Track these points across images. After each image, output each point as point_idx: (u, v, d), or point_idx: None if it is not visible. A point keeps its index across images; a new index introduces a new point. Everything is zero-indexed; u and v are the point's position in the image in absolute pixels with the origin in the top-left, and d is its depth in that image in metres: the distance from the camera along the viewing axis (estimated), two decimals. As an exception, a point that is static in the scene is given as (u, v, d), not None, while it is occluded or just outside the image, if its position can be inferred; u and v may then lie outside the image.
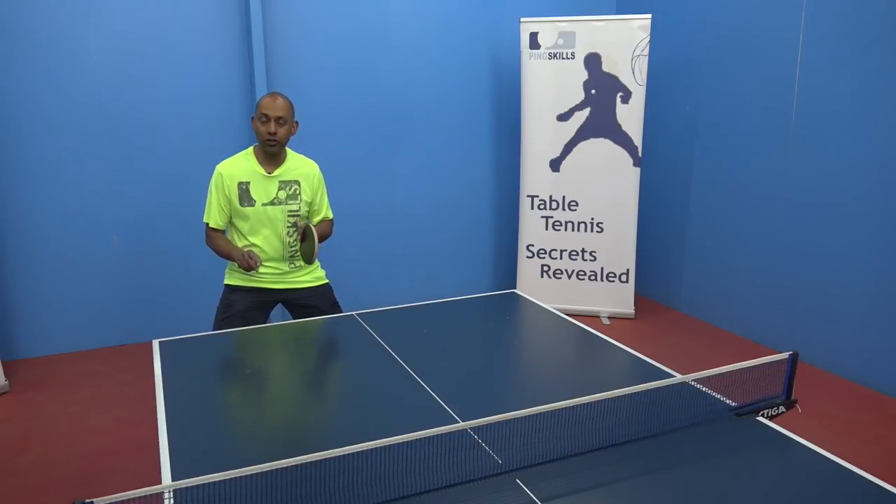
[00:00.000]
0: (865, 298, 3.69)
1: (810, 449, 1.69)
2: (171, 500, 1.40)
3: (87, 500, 1.26)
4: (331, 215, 3.08)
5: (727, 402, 1.91)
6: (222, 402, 2.09)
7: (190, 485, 1.40)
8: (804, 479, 1.58)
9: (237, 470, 1.43)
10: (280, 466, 1.46)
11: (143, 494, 1.33)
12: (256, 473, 1.44)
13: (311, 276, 3.02)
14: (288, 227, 2.89)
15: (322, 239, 2.96)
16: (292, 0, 4.41)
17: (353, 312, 2.82)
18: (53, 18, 3.95)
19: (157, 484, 1.40)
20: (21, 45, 3.92)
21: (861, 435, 3.24)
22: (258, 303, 2.93)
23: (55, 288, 4.20)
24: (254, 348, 2.55)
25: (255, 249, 2.85)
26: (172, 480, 1.53)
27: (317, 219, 3.02)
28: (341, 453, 1.51)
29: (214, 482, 1.41)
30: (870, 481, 1.54)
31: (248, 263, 2.70)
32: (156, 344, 2.45)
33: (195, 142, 4.32)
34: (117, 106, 4.16)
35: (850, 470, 1.59)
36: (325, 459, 1.49)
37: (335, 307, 3.04)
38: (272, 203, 2.85)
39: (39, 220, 4.11)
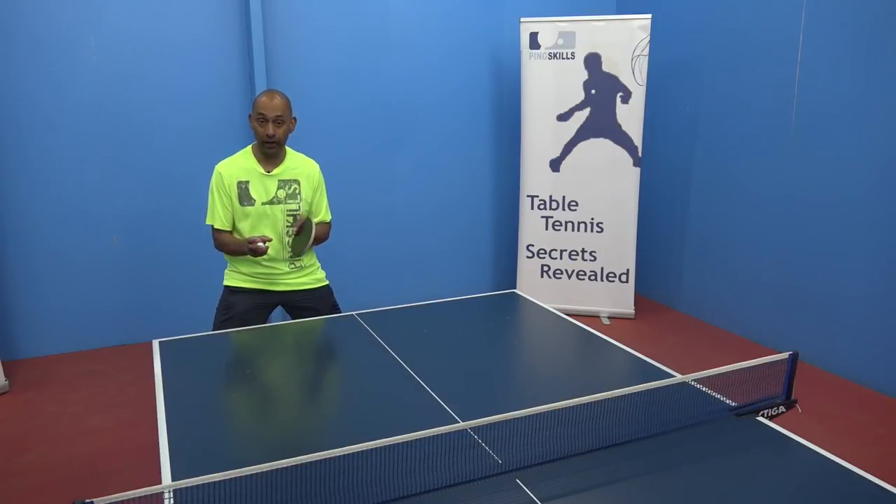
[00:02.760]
0: (865, 298, 3.69)
1: (810, 449, 1.69)
2: (171, 500, 1.40)
3: (87, 500, 1.26)
4: (329, 217, 3.05)
5: (727, 402, 1.91)
6: (222, 402, 2.09)
7: (190, 485, 1.40)
8: (804, 479, 1.58)
9: (237, 470, 1.43)
10: (280, 466, 1.46)
11: (143, 494, 1.33)
12: (256, 473, 1.44)
13: (312, 278, 3.00)
14: (287, 226, 2.87)
15: (318, 241, 2.95)
16: (292, 0, 4.42)
17: (353, 312, 2.82)
18: (53, 18, 3.95)
19: (157, 484, 1.40)
20: (21, 45, 3.92)
21: (861, 435, 3.24)
22: (258, 304, 2.92)
23: (55, 288, 4.20)
24: (254, 348, 2.55)
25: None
26: (172, 480, 1.53)
27: (315, 220, 3.00)
28: (341, 453, 1.51)
29: (214, 482, 1.41)
30: (870, 481, 1.54)
31: (256, 250, 2.69)
32: (156, 344, 2.45)
33: (195, 142, 4.32)
34: (117, 106, 4.16)
35: (850, 470, 1.59)
36: (325, 459, 1.49)
37: (334, 310, 3.02)
38: (271, 202, 2.84)
39: (39, 220, 4.11)
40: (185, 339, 2.56)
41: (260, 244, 2.69)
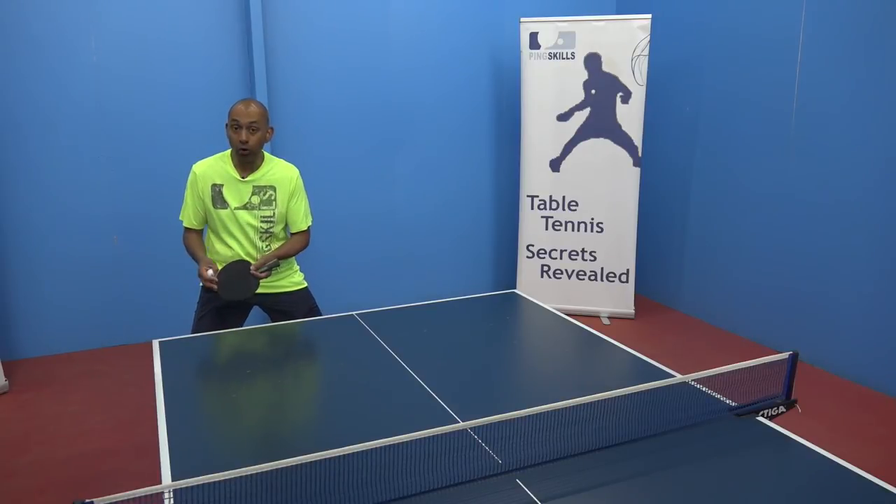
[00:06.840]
0: (865, 298, 3.69)
1: (810, 449, 1.69)
2: (171, 500, 1.40)
3: (87, 500, 1.27)
4: (304, 227, 2.94)
5: (727, 402, 1.91)
6: (222, 402, 2.09)
7: (190, 485, 1.40)
8: (804, 479, 1.58)
9: (237, 470, 1.43)
10: (280, 466, 1.46)
11: (143, 494, 1.33)
12: (256, 473, 1.44)
13: (289, 281, 2.97)
14: (261, 232, 2.85)
15: (290, 255, 2.92)
16: (292, 0, 4.42)
17: (353, 312, 2.82)
18: (53, 18, 3.95)
19: (157, 484, 1.40)
20: (21, 45, 3.92)
21: (861, 435, 3.24)
22: (233, 303, 2.87)
23: (55, 288, 4.20)
24: (254, 348, 2.55)
25: (230, 253, 2.84)
26: (172, 480, 1.53)
27: (290, 229, 2.94)
28: (341, 453, 1.51)
29: (214, 482, 1.41)
30: (870, 481, 1.54)
31: (203, 276, 2.69)
32: (156, 344, 2.45)
33: (195, 142, 4.31)
34: (117, 106, 4.15)
35: (850, 470, 1.59)
36: (325, 459, 1.49)
37: (313, 312, 2.99)
38: (245, 207, 2.81)
39: (39, 220, 4.11)
40: (185, 339, 2.56)
41: (209, 275, 2.69)
